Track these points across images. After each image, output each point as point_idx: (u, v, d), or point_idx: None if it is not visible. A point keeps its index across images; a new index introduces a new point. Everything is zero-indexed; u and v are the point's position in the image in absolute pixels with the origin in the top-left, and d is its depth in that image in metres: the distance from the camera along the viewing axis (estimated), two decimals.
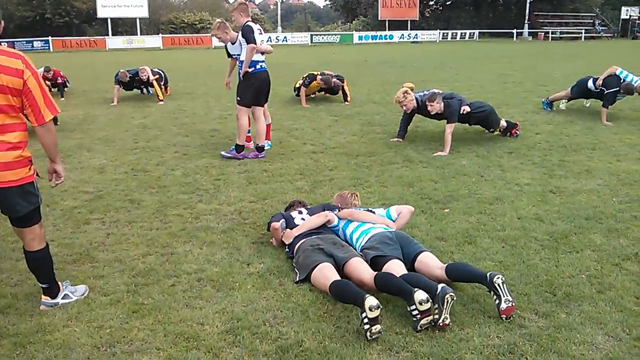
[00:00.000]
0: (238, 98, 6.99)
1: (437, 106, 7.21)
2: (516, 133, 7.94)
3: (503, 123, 7.87)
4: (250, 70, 6.74)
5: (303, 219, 4.30)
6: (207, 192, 5.75)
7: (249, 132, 7.31)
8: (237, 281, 3.77)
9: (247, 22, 6.67)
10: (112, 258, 4.17)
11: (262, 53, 6.85)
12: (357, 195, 4.63)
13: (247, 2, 6.88)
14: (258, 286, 3.70)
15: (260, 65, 6.86)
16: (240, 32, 6.73)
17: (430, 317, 3.09)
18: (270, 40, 42.76)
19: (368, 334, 2.99)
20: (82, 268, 4.01)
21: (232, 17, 6.87)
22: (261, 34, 6.83)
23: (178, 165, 6.67)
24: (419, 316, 3.08)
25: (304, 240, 4.00)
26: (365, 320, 3.01)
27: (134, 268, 4.00)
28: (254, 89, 6.90)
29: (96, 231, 4.74)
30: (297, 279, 3.72)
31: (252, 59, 6.69)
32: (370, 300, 3.02)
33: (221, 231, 4.68)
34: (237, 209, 5.25)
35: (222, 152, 7.13)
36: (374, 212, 4.32)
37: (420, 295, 3.09)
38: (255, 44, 6.60)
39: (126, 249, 4.34)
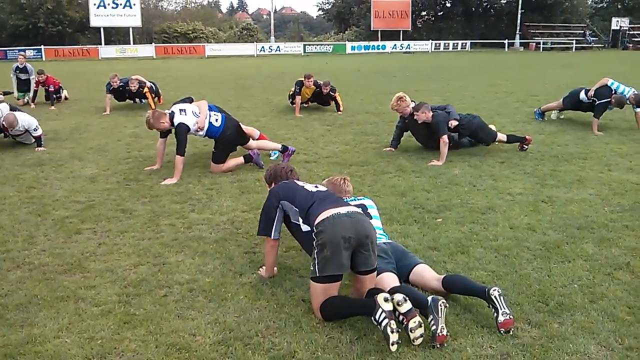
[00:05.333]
0: (213, 151, 6.94)
1: (422, 115, 7.22)
2: (524, 147, 7.72)
3: (502, 137, 7.70)
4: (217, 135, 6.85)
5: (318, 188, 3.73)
6: (200, 202, 5.74)
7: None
8: (230, 291, 3.75)
9: (177, 123, 6.60)
10: (104, 268, 4.15)
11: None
12: (348, 181, 4.39)
13: (155, 112, 6.76)
14: (251, 296, 3.68)
15: (217, 124, 6.86)
16: (174, 130, 6.68)
17: (419, 325, 3.03)
18: (263, 50, 42.98)
19: (388, 329, 2.94)
20: (73, 278, 3.98)
21: (157, 127, 6.70)
22: (183, 112, 6.68)
23: (170, 174, 6.64)
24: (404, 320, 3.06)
25: (330, 215, 3.36)
26: (382, 316, 2.99)
27: (126, 278, 3.97)
28: (228, 143, 6.96)
29: (88, 241, 4.71)
30: (313, 275, 3.37)
31: (204, 129, 6.74)
32: (384, 294, 3.06)
33: (214, 241, 4.66)
34: (229, 218, 5.24)
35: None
36: (365, 205, 4.23)
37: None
38: (189, 131, 6.63)
39: (118, 259, 4.32)
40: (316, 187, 3.76)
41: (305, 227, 3.53)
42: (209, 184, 6.35)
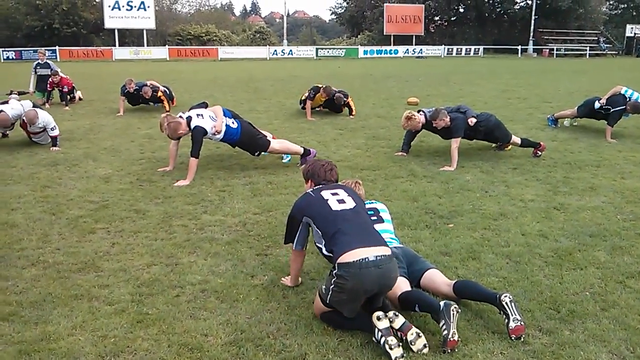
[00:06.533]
0: (256, 154, 7.19)
1: (441, 123, 7.23)
2: (538, 153, 7.75)
3: (516, 140, 7.73)
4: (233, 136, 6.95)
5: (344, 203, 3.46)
6: (212, 203, 5.77)
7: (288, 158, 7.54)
8: (241, 293, 3.78)
9: (194, 126, 6.67)
10: (117, 268, 4.19)
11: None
12: (360, 184, 4.28)
13: (170, 124, 6.72)
14: (262, 298, 3.71)
15: (234, 126, 6.94)
16: (191, 133, 6.75)
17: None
18: (276, 54, 43.09)
19: (386, 346, 2.97)
20: (87, 277, 4.03)
21: (175, 137, 6.83)
22: (201, 116, 6.77)
23: (183, 176, 6.68)
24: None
25: (357, 261, 3.13)
26: (379, 335, 3.03)
27: (139, 278, 4.01)
28: (250, 137, 7.05)
29: (101, 240, 4.76)
30: (323, 298, 3.32)
31: (222, 132, 6.81)
32: (377, 313, 3.08)
33: (226, 242, 4.69)
34: (241, 220, 5.27)
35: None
36: (377, 208, 4.24)
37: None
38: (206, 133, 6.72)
39: (131, 259, 4.36)
40: (342, 201, 3.47)
41: (325, 252, 3.35)
42: (221, 186, 6.39)
